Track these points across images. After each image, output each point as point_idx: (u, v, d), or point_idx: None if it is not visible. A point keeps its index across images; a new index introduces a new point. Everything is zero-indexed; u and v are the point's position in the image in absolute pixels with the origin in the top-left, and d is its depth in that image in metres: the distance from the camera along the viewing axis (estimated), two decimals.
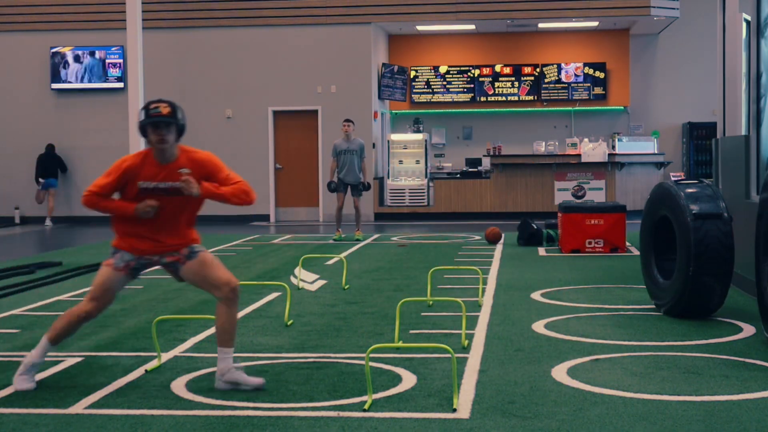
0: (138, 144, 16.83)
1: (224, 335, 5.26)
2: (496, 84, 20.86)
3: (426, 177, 19.54)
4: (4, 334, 6.98)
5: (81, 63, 19.63)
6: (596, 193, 18.60)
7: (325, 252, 12.59)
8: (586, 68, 20.66)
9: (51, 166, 19.36)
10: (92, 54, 19.62)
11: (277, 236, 15.61)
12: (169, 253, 5.37)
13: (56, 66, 19.62)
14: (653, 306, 7.76)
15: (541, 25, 20.20)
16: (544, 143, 19.82)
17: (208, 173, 5.33)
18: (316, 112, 19.40)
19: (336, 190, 14.75)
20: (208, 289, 5.32)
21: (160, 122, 5.14)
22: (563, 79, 20.74)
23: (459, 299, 6.94)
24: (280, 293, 8.65)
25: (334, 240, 14.41)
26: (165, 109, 5.17)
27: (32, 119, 19.79)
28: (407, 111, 21.23)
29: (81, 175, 19.74)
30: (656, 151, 19.70)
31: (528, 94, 20.83)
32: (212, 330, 6.92)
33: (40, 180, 19.24)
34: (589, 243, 12.33)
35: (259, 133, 19.43)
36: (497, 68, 20.83)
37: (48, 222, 19.18)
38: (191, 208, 5.41)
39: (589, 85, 20.67)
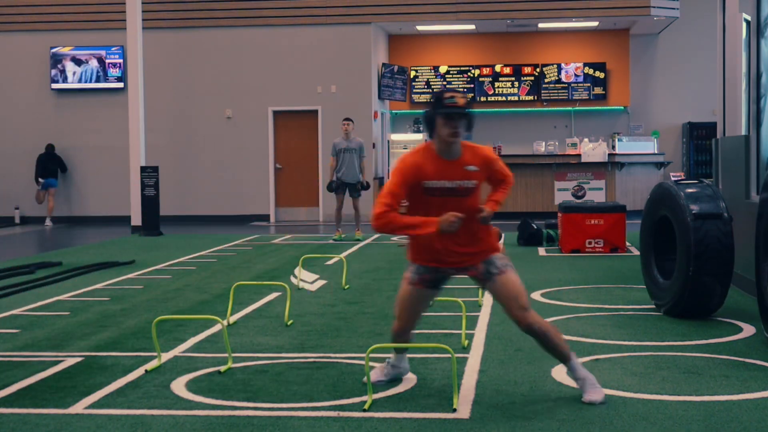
0: (138, 144, 16.86)
1: (557, 350, 4.94)
2: (496, 84, 20.86)
3: None
4: (4, 334, 6.98)
5: (81, 63, 19.62)
6: (596, 193, 18.60)
7: (325, 252, 12.59)
8: (586, 68, 20.66)
9: (51, 166, 19.36)
10: (92, 54, 19.62)
11: (277, 236, 15.61)
12: (466, 267, 5.03)
13: (56, 66, 19.62)
14: (653, 306, 7.76)
15: (541, 25, 20.20)
16: (544, 143, 19.82)
17: (491, 170, 5.00)
18: (316, 112, 19.40)
19: (336, 190, 14.78)
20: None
21: (455, 114, 4.71)
22: (563, 79, 20.74)
23: (459, 299, 6.94)
24: (280, 293, 8.65)
25: (335, 240, 14.42)
26: (461, 100, 4.74)
27: (32, 119, 19.79)
28: (407, 111, 21.23)
29: (81, 175, 19.75)
30: (656, 151, 19.70)
31: (528, 94, 20.82)
32: (212, 330, 6.92)
33: (40, 180, 19.24)
34: (589, 243, 12.33)
35: (259, 133, 19.43)
36: (497, 68, 20.83)
37: (48, 222, 19.18)
38: (477, 207, 4.97)
39: (589, 85, 20.67)
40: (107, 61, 19.55)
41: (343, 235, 14.62)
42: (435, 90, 20.75)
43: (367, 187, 15.10)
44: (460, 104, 4.71)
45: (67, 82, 19.63)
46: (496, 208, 4.97)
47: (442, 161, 4.82)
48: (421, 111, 20.98)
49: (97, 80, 19.62)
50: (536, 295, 8.57)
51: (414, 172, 4.79)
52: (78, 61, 19.62)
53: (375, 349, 5.92)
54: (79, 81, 19.61)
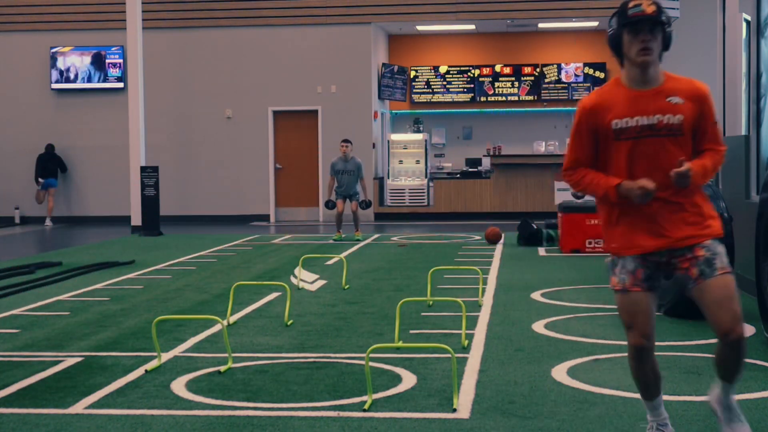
0: (138, 144, 16.85)
1: (727, 373, 4.00)
2: (496, 84, 20.85)
3: (426, 177, 19.54)
4: (4, 334, 6.98)
5: (81, 63, 19.62)
6: None
7: (325, 252, 12.59)
8: (586, 68, 20.65)
9: (51, 165, 19.36)
10: (92, 54, 19.62)
11: (277, 236, 15.61)
12: (679, 251, 3.84)
13: (56, 66, 19.62)
14: None
15: (541, 25, 20.20)
16: (544, 143, 19.81)
17: (702, 115, 3.93)
18: (316, 112, 19.39)
19: (334, 206, 14.83)
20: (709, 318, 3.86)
21: (644, 22, 3.78)
22: (563, 79, 20.74)
23: (459, 299, 6.94)
24: (280, 293, 8.64)
25: (334, 240, 14.42)
26: (649, 7, 3.80)
27: (32, 119, 19.79)
28: (407, 111, 21.23)
29: (80, 175, 19.74)
30: None
31: (528, 94, 20.82)
32: (212, 330, 6.92)
33: (40, 180, 19.23)
34: (589, 243, 12.33)
35: (259, 133, 19.43)
36: (497, 68, 20.83)
37: (48, 222, 19.18)
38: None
39: (589, 85, 20.66)
40: (107, 61, 19.55)
41: (343, 236, 14.62)
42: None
43: (368, 205, 15.14)
44: (648, 12, 3.78)
45: (67, 82, 19.63)
46: (701, 173, 3.85)
47: (634, 93, 3.85)
48: (421, 111, 20.99)
49: (97, 80, 19.62)
50: (536, 295, 8.58)
51: (593, 113, 3.86)
52: (78, 61, 19.61)
53: (375, 349, 5.92)
54: (79, 81, 19.60)
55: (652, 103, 3.83)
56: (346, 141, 15.01)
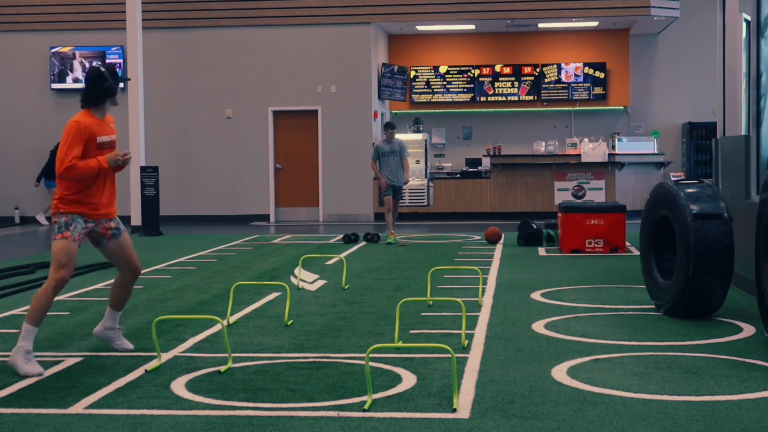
0: (138, 144, 16.86)
1: (119, 302, 6.27)
2: (496, 84, 20.86)
3: (426, 177, 19.53)
4: (4, 334, 6.98)
5: (81, 63, 19.62)
6: (596, 193, 18.60)
7: (325, 252, 12.59)
8: (586, 68, 20.66)
9: (54, 169, 19.34)
10: (92, 54, 19.62)
11: (277, 236, 15.61)
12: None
13: (56, 66, 19.62)
14: (653, 306, 7.76)
15: (541, 25, 20.20)
16: (544, 143, 19.82)
17: None
18: (316, 112, 19.39)
19: (386, 194, 14.03)
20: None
21: None
22: (563, 79, 20.74)
23: (459, 299, 6.94)
24: (280, 293, 8.65)
25: (389, 243, 13.73)
26: None
27: (32, 119, 19.79)
28: (407, 111, 21.23)
29: None
30: (656, 151, 19.70)
31: (528, 94, 20.83)
32: (212, 330, 6.92)
33: (36, 183, 19.20)
34: (589, 243, 12.33)
35: (259, 133, 19.43)
36: (497, 68, 20.83)
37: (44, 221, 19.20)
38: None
39: (589, 85, 20.67)
40: (107, 61, 19.55)
41: (397, 238, 13.95)
42: (435, 90, 20.79)
43: (406, 182, 14.38)
44: None
45: (67, 82, 19.64)
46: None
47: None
48: (421, 111, 21.01)
49: None
50: (536, 295, 8.58)
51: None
52: (78, 61, 19.61)
53: (375, 349, 5.93)
54: (80, 81, 19.60)
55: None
56: (390, 126, 14.27)
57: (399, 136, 20.10)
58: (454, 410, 4.73)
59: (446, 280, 9.57)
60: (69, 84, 19.61)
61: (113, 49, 19.53)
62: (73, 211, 5.88)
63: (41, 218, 19.27)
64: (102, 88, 5.95)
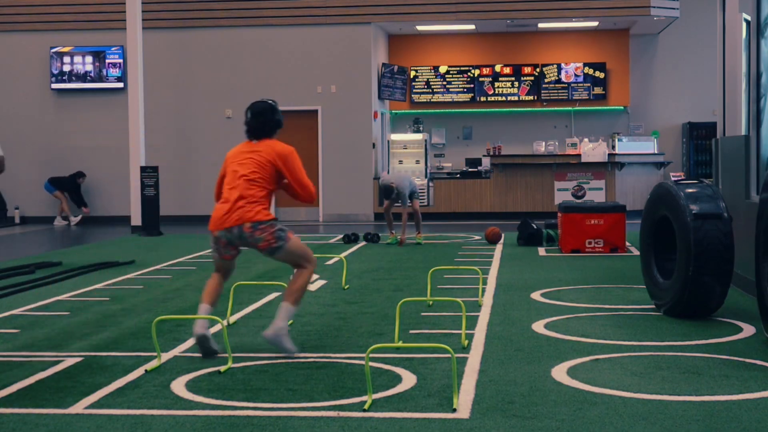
0: (138, 144, 16.86)
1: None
2: (496, 84, 20.86)
3: (426, 177, 19.53)
4: (4, 334, 6.98)
5: (81, 63, 19.62)
6: (596, 193, 18.61)
7: (325, 252, 12.58)
8: (586, 68, 20.66)
9: (66, 185, 19.34)
10: (92, 54, 19.62)
11: None
12: None
13: (56, 66, 19.62)
14: (653, 306, 7.76)
15: (541, 25, 20.20)
16: (544, 143, 19.82)
17: None
18: (316, 112, 19.39)
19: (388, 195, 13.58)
20: None
21: None
22: (563, 79, 20.74)
23: (459, 299, 6.94)
24: (280, 293, 8.64)
25: (388, 243, 13.73)
26: None
27: (32, 119, 19.79)
28: (407, 111, 21.23)
29: None
30: (656, 151, 19.70)
31: (528, 94, 20.82)
32: (212, 330, 6.92)
33: (59, 192, 19.25)
34: (589, 243, 12.33)
35: None
36: (497, 68, 20.83)
37: (72, 219, 19.29)
38: None
39: (589, 85, 20.67)
40: (107, 61, 19.55)
41: (398, 237, 13.77)
42: (435, 90, 20.81)
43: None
44: None
45: (67, 82, 19.63)
46: None
47: None
48: (421, 111, 21.02)
49: (97, 80, 19.62)
50: (536, 295, 8.58)
51: None
52: (78, 61, 19.61)
53: (375, 349, 5.92)
54: (79, 81, 19.60)
55: None
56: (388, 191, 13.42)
57: (399, 136, 20.20)
58: (454, 410, 4.73)
59: (446, 280, 9.57)
60: (69, 84, 19.60)
61: (113, 49, 19.53)
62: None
63: (60, 222, 19.27)
64: (275, 120, 6.50)
